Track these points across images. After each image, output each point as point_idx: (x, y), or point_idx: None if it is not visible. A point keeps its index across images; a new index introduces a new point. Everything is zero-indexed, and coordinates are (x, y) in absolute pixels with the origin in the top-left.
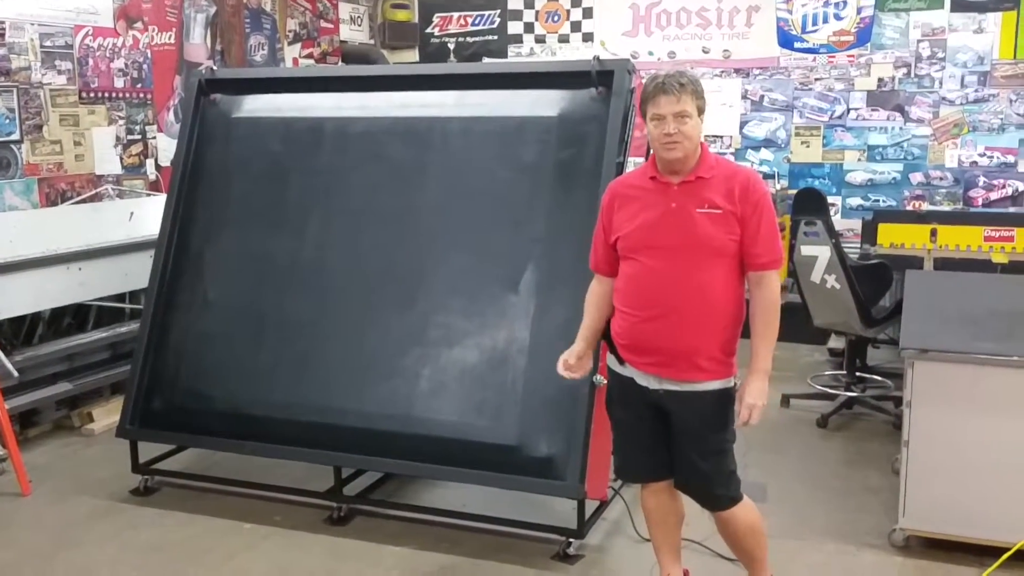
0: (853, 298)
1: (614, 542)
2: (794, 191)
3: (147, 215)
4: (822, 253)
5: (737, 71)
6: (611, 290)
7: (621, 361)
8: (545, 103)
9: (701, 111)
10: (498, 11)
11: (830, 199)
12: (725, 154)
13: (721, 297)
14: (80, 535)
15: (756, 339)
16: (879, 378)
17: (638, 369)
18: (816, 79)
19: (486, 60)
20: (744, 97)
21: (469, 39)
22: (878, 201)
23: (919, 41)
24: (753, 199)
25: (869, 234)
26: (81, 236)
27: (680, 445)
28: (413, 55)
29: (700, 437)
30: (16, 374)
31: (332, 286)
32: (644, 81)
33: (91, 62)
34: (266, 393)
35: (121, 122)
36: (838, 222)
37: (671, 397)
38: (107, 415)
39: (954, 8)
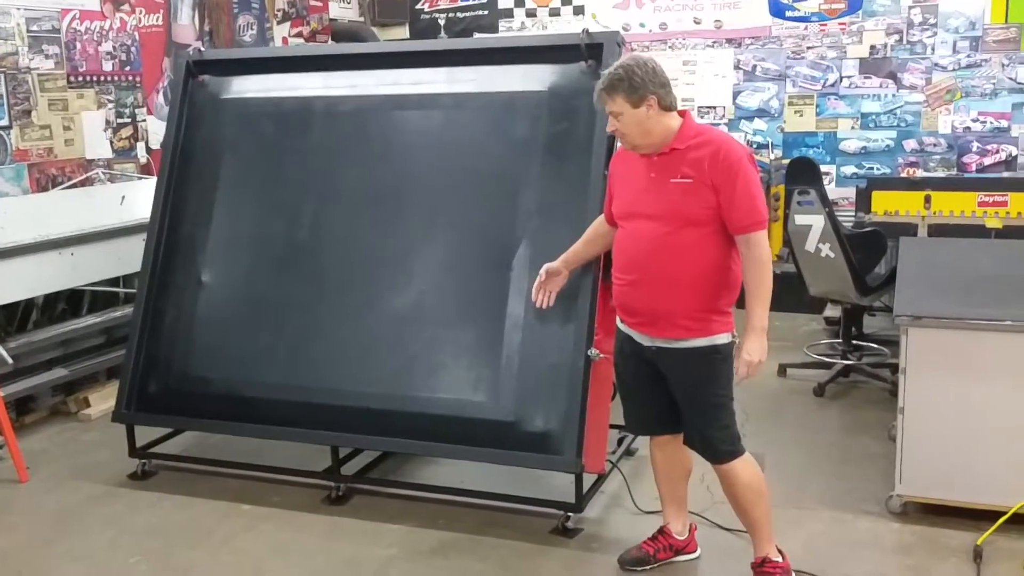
0: (848, 266)
1: (613, 515)
2: (788, 160)
3: (139, 198)
4: (816, 222)
5: (729, 41)
6: (610, 233)
7: (622, 320)
8: (535, 78)
9: (636, 104)
10: None
11: (824, 168)
12: (719, 125)
13: (696, 262)
14: (78, 520)
15: (749, 298)
16: (875, 346)
17: (631, 328)
18: (808, 48)
19: (477, 35)
20: (736, 67)
21: (459, 14)
22: (872, 169)
23: (910, 7)
24: (723, 165)
25: (863, 202)
26: (73, 221)
27: (678, 400)
28: (403, 32)
29: (693, 391)
30: (10, 361)
31: (326, 265)
32: None
33: (79, 46)
34: (262, 374)
35: (110, 105)
36: (833, 191)
37: (662, 354)
38: (103, 400)
39: None
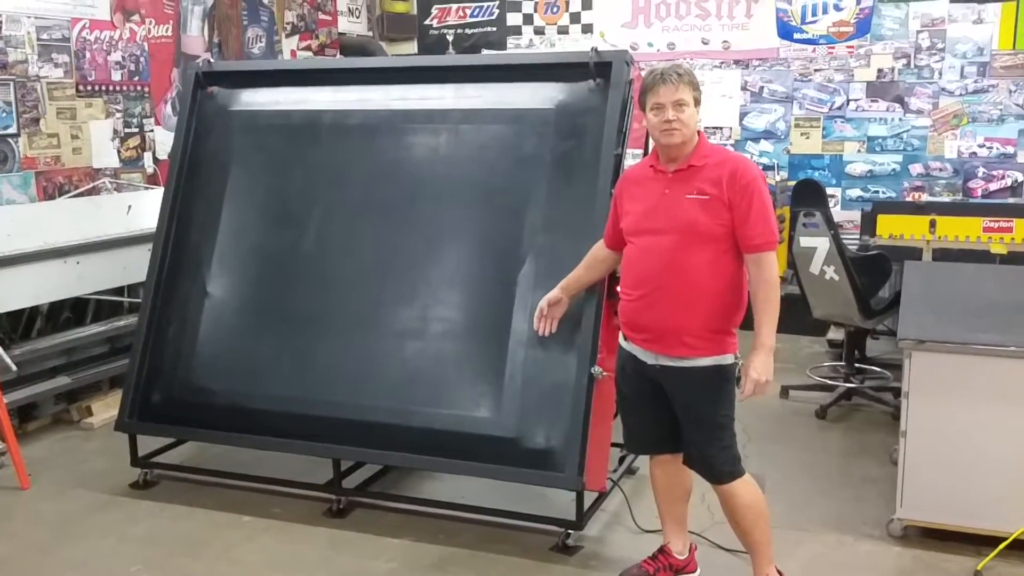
0: (852, 289)
1: (613, 533)
2: (793, 182)
3: (145, 208)
4: (821, 244)
5: (737, 62)
6: (609, 258)
7: (626, 337)
8: (543, 95)
9: (697, 101)
10: (497, 2)
11: (830, 190)
12: (725, 145)
13: (707, 279)
14: (79, 528)
15: (757, 316)
16: (878, 369)
17: (636, 345)
18: (816, 70)
19: (485, 52)
20: (744, 88)
21: (468, 31)
22: (878, 192)
23: (919, 32)
24: (741, 184)
25: (868, 225)
26: (79, 230)
27: (680, 419)
28: (412, 47)
29: (695, 410)
30: (14, 368)
31: (330, 279)
32: (643, 74)
33: (88, 55)
34: (265, 386)
35: (118, 115)
36: (838, 213)
37: (666, 372)
38: (106, 409)
39: None
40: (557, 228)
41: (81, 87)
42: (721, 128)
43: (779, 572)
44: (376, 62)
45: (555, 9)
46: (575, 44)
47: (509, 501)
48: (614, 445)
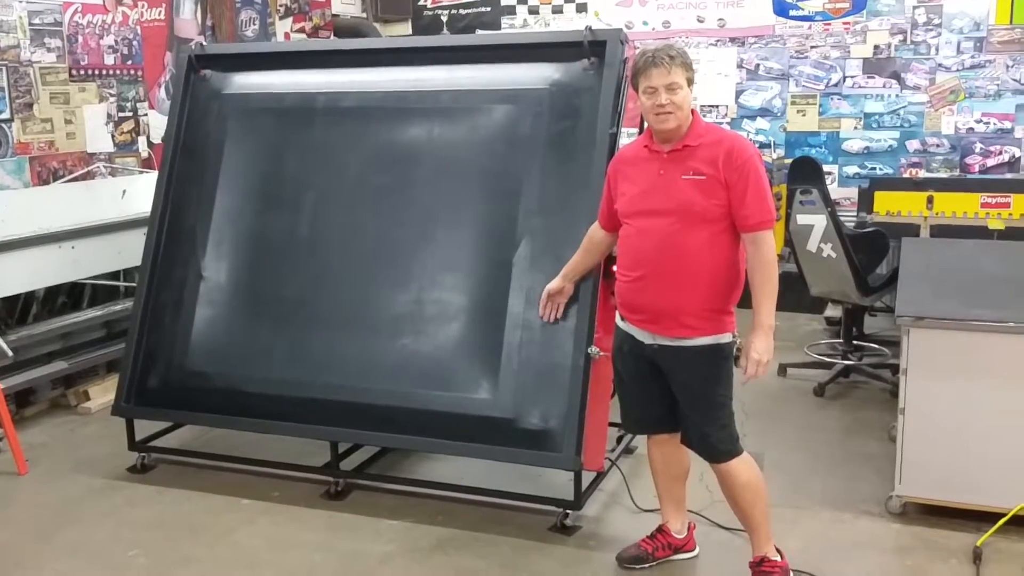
0: (849, 266)
1: (611, 513)
2: (790, 160)
3: (140, 192)
4: (818, 222)
5: (732, 40)
6: (607, 239)
7: (623, 317)
8: (538, 75)
9: (690, 81)
10: None
11: (827, 167)
12: (721, 123)
13: (705, 259)
14: (78, 513)
15: (755, 297)
16: (876, 346)
17: (633, 325)
18: (812, 47)
19: (479, 32)
20: (739, 66)
21: (462, 11)
22: (875, 169)
23: (915, 7)
24: (737, 163)
25: (865, 202)
26: (74, 214)
27: (677, 398)
28: (406, 28)
29: (693, 390)
30: (10, 353)
31: (326, 261)
32: (635, 55)
33: (81, 39)
34: (262, 369)
35: (112, 99)
36: (835, 190)
37: (664, 352)
38: (103, 393)
39: None
40: (552, 209)
41: (74, 71)
42: (717, 106)
43: (778, 550)
44: (370, 43)
45: None
46: (569, 24)
47: (507, 482)
48: (612, 425)
